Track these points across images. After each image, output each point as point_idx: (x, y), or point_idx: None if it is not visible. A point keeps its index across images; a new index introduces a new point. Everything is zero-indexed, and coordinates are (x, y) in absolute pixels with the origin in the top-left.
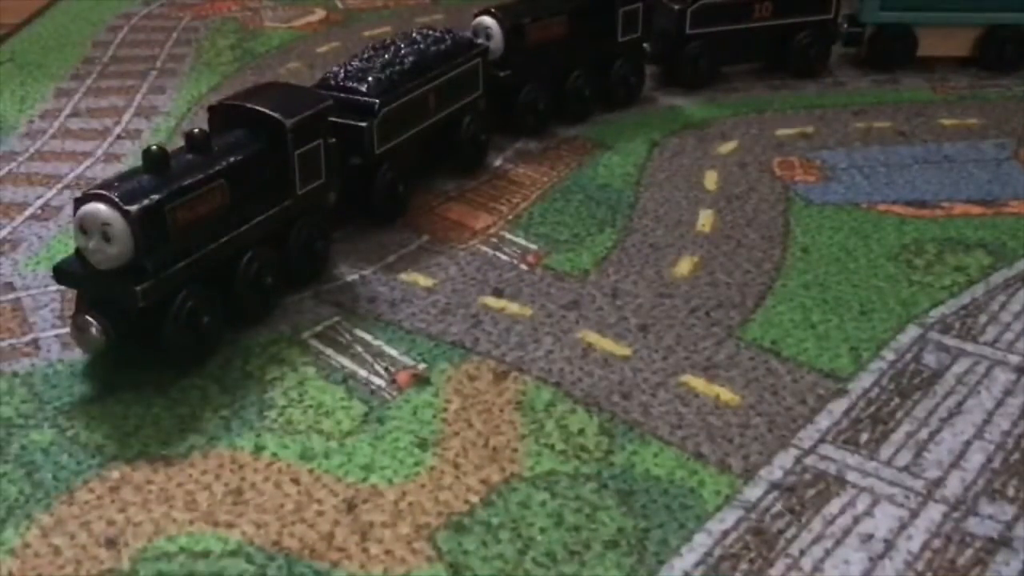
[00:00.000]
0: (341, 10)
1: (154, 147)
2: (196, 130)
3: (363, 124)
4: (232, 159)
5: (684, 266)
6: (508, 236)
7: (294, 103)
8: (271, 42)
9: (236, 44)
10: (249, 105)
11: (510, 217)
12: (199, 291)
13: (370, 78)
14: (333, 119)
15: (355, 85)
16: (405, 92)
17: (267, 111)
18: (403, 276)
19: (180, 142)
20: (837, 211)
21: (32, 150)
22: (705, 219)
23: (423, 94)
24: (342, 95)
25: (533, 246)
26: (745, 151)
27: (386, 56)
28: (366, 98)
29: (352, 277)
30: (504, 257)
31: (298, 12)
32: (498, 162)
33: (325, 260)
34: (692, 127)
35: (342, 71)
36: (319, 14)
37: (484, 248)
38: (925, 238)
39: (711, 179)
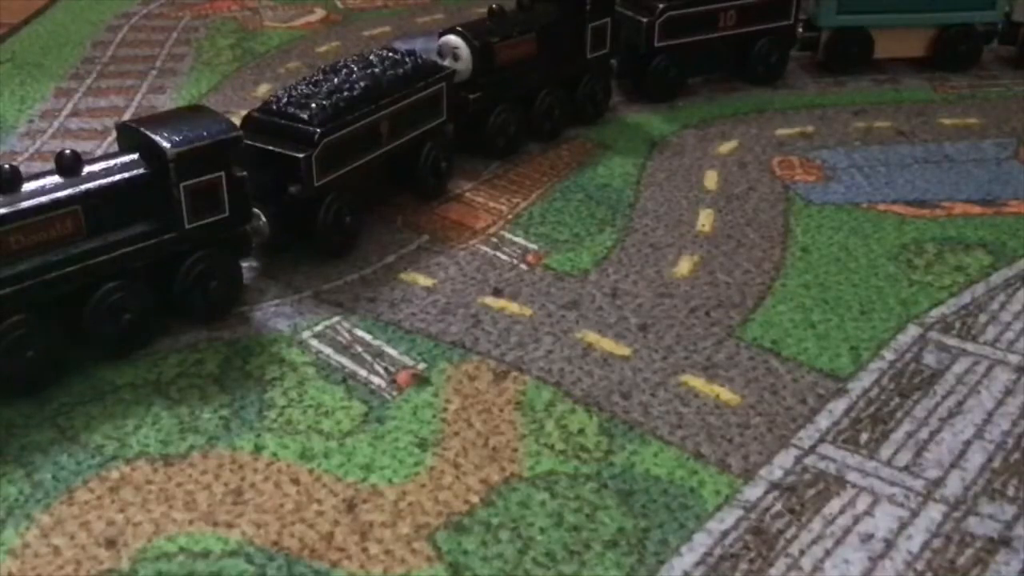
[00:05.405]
0: (341, 10)
1: (7, 166)
2: (67, 151)
3: (300, 155)
4: (93, 185)
5: (684, 266)
6: (508, 236)
7: (195, 131)
8: (271, 42)
9: (236, 44)
10: (142, 129)
11: (510, 217)
12: (32, 320)
13: (313, 105)
14: (270, 148)
15: (296, 112)
16: (352, 120)
17: (154, 137)
18: (403, 276)
19: None
20: (837, 211)
21: (32, 150)
22: (705, 219)
23: (374, 122)
24: (281, 122)
25: (533, 246)
26: (745, 151)
27: (335, 80)
28: (306, 127)
29: (352, 277)
30: (504, 257)
31: (298, 12)
32: (494, 166)
33: (228, 297)
34: (691, 127)
35: (286, 95)
36: (319, 14)
37: (484, 248)
38: (925, 238)
39: (711, 179)
